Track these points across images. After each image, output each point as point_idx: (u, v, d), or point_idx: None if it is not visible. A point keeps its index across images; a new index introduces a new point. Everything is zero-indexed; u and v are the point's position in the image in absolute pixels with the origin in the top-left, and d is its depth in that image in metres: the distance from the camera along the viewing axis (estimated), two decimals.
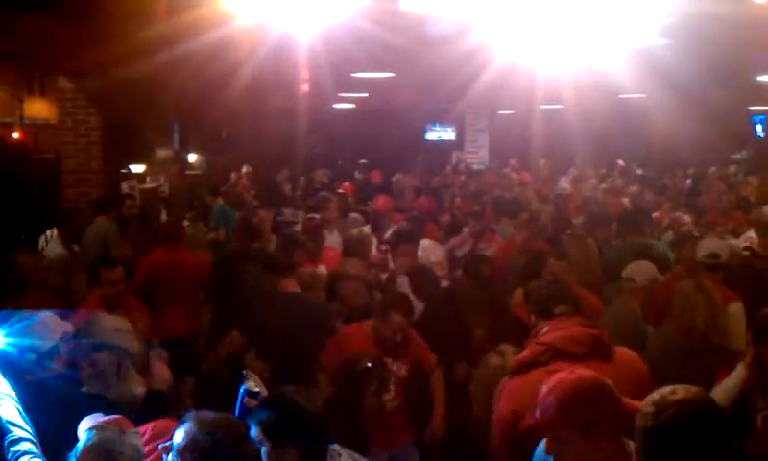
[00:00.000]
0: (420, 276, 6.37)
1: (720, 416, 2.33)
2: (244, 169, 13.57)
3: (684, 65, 9.26)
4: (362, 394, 4.11)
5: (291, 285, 5.58)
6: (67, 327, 3.72)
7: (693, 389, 2.36)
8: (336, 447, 3.06)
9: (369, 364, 4.19)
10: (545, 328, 3.67)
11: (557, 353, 3.46)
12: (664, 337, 4.93)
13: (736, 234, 8.13)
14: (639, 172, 15.35)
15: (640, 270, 5.58)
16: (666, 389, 2.36)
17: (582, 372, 2.80)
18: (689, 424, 2.26)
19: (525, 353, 3.60)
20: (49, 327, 3.67)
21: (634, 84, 11.36)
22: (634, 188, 11.96)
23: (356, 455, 3.13)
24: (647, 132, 17.19)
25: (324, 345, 5.05)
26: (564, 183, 11.88)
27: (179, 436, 2.74)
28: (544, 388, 2.71)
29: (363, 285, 5.84)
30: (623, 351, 3.67)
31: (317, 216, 7.81)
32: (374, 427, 4.20)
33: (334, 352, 4.92)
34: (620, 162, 15.32)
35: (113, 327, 4.03)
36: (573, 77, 10.31)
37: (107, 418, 2.97)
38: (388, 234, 7.54)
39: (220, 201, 11.03)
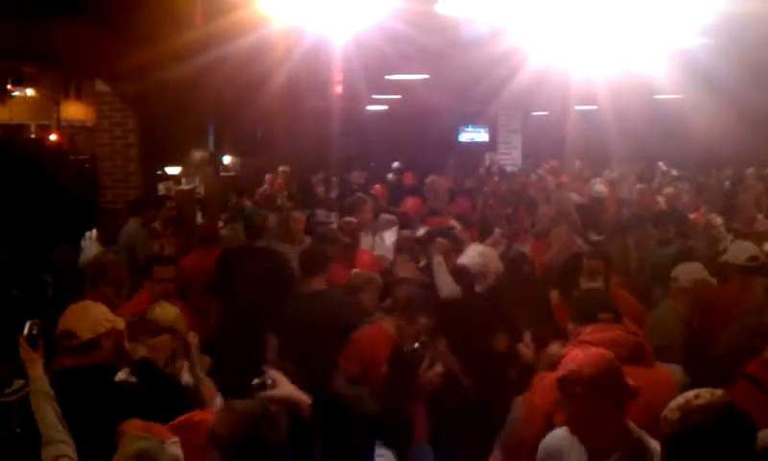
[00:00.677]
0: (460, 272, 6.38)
1: (745, 418, 2.32)
2: (280, 169, 13.62)
3: (723, 65, 9.15)
4: (416, 372, 4.10)
5: (320, 285, 5.62)
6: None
7: (718, 392, 2.35)
8: (383, 449, 3.07)
9: (417, 344, 4.27)
10: (588, 330, 3.69)
11: None
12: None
13: None
14: (675, 173, 15.19)
15: (685, 270, 5.54)
16: (691, 393, 2.36)
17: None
18: (714, 428, 2.25)
19: (564, 352, 3.59)
20: None
21: (671, 85, 11.25)
22: (669, 190, 11.85)
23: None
24: (683, 132, 17.00)
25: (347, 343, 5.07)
26: (599, 186, 11.76)
27: (220, 426, 2.78)
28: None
29: (417, 287, 5.80)
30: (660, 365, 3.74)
31: (353, 220, 7.80)
32: None
33: (354, 354, 4.95)
34: (661, 164, 15.14)
35: (175, 314, 4.27)
36: (609, 78, 10.23)
37: (146, 425, 2.99)
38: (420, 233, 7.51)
39: (247, 203, 11.08)
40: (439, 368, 4.27)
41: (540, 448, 3.14)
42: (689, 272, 5.51)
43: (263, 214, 8.41)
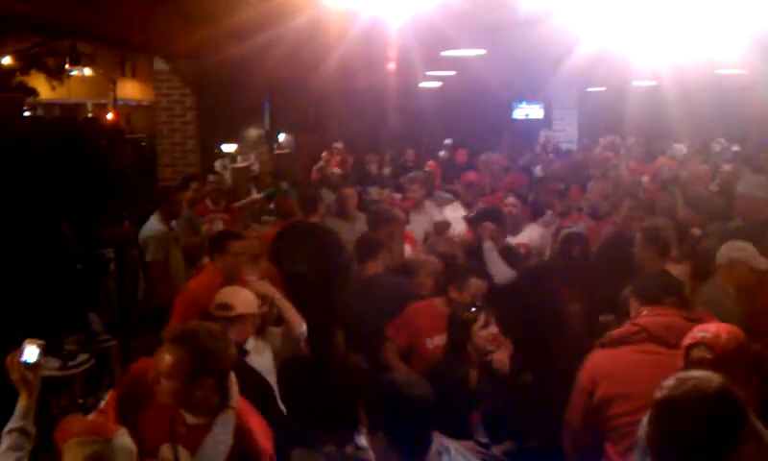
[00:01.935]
0: (510, 252, 6.36)
1: (735, 402, 2.31)
2: (334, 146, 13.65)
3: None
4: (470, 332, 4.17)
5: (375, 268, 5.64)
6: None
7: (717, 375, 2.37)
8: (445, 441, 3.09)
9: (473, 308, 4.30)
10: (645, 312, 3.67)
11: (649, 337, 3.52)
12: None
13: None
14: (735, 149, 14.82)
15: (724, 247, 5.45)
16: (692, 371, 2.42)
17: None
18: (698, 400, 2.27)
19: (620, 331, 3.66)
20: None
21: (734, 60, 10.97)
22: (728, 167, 11.55)
23: (463, 450, 3.15)
24: (745, 108, 16.55)
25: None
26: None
27: None
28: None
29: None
30: None
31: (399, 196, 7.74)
32: None
33: (402, 325, 4.99)
34: (722, 141, 14.79)
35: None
36: (669, 53, 10.01)
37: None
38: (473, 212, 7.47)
39: (284, 184, 11.10)
40: (493, 328, 4.26)
41: None
42: (726, 250, 5.42)
43: (316, 189, 8.41)
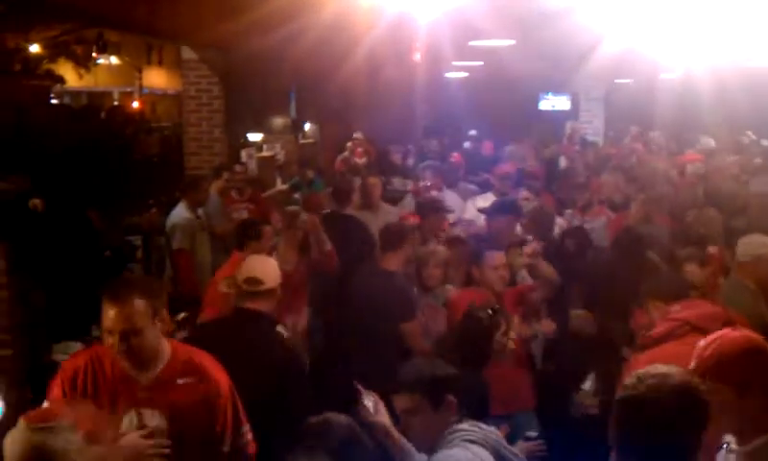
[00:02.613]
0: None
1: (698, 397, 2.32)
2: (355, 136, 13.65)
3: None
4: (491, 336, 4.17)
5: (392, 263, 5.58)
6: None
7: (681, 370, 2.39)
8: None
9: (493, 308, 4.31)
10: (677, 307, 3.65)
11: (692, 329, 3.48)
12: None
13: None
14: (765, 143, 14.62)
15: (746, 243, 5.40)
16: (656, 366, 2.41)
17: (746, 332, 2.80)
18: (663, 395, 2.27)
19: (660, 328, 3.62)
20: None
21: (765, 52, 10.82)
22: (758, 160, 11.39)
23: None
24: None
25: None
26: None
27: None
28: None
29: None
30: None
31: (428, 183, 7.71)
32: (495, 385, 4.20)
33: (450, 319, 4.99)
34: (749, 133, 14.60)
35: None
36: (698, 46, 9.89)
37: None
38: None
39: (311, 173, 11.12)
40: (513, 335, 4.27)
41: None
42: (748, 245, 5.36)
43: (350, 180, 8.40)
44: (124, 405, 3.16)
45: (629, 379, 2.38)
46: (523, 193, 7.69)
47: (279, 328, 4.22)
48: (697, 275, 5.05)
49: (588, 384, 4.31)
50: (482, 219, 7.25)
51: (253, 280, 4.09)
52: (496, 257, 5.07)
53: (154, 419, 3.16)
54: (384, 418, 3.14)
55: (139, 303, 3.10)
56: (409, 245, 5.75)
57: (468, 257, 5.71)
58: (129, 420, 3.15)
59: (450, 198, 8.28)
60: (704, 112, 14.65)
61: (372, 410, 3.13)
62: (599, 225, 7.51)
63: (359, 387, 3.23)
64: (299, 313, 5.92)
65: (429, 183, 8.50)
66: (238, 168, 9.52)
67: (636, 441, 2.29)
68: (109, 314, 3.10)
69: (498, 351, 4.24)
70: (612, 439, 2.35)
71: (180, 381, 3.22)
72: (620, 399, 2.36)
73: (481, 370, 4.14)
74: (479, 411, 3.73)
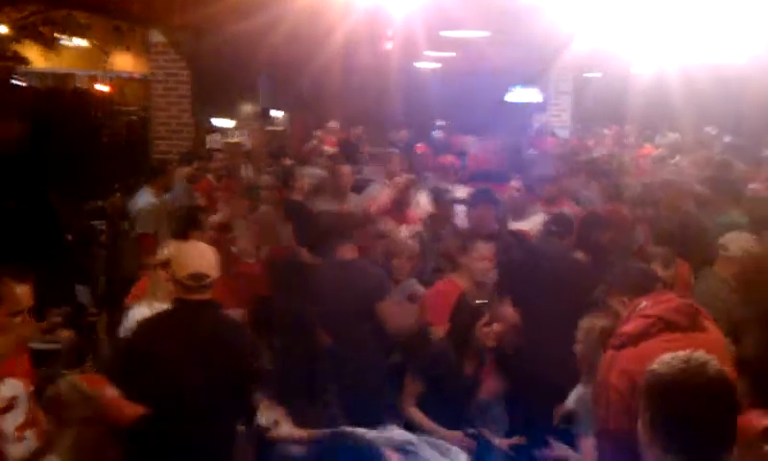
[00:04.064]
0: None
1: (727, 382, 2.32)
2: (329, 124, 13.57)
3: None
4: (473, 327, 4.19)
5: (348, 253, 5.52)
6: None
7: (707, 355, 2.37)
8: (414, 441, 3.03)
9: (482, 301, 4.34)
10: (644, 303, 3.61)
11: (665, 325, 3.45)
12: None
13: None
14: (728, 139, 14.81)
15: (736, 239, 5.42)
16: (679, 353, 2.38)
17: None
18: (694, 381, 2.27)
19: (633, 327, 3.52)
20: None
21: (732, 49, 10.93)
22: (719, 157, 11.49)
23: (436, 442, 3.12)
24: (742, 97, 16.51)
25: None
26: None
27: None
28: None
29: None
30: (712, 325, 3.64)
31: (405, 176, 7.65)
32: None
33: (428, 309, 4.98)
34: (711, 130, 14.77)
35: None
36: (667, 41, 9.98)
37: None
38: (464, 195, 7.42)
39: (288, 161, 11.04)
40: (497, 326, 4.25)
41: None
42: (740, 241, 5.39)
43: (293, 166, 8.40)
44: None
45: (656, 365, 2.35)
46: (513, 184, 7.67)
47: (229, 313, 4.19)
48: (660, 273, 5.05)
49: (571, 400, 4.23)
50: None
51: (199, 276, 3.96)
52: (485, 248, 5.05)
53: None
54: (284, 428, 3.10)
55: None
56: (363, 234, 5.73)
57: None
58: None
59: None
60: (672, 108, 14.78)
61: (269, 425, 3.10)
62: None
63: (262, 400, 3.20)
64: None
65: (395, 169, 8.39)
66: (219, 155, 9.44)
67: (681, 428, 2.28)
68: (21, 292, 3.24)
69: (482, 339, 4.20)
70: (649, 427, 2.33)
71: None
72: (661, 387, 2.33)
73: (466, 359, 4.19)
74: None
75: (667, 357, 2.38)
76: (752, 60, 12.54)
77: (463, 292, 4.85)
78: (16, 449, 3.21)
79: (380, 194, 7.36)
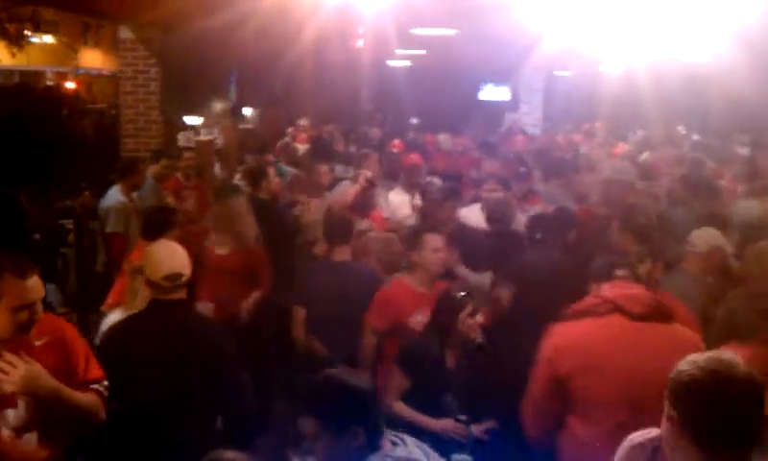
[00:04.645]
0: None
1: (755, 382, 2.32)
2: (301, 122, 13.54)
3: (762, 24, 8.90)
4: (456, 318, 4.20)
5: (345, 255, 5.60)
6: None
7: (732, 354, 2.39)
8: (400, 433, 2.98)
9: (465, 292, 4.33)
10: (605, 287, 3.71)
11: (614, 308, 3.53)
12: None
13: None
14: (696, 138, 15.00)
15: (703, 235, 5.49)
16: (707, 355, 2.39)
17: None
18: (729, 384, 2.28)
19: (582, 304, 3.67)
20: None
21: (702, 46, 11.04)
22: (691, 156, 11.63)
23: (421, 444, 3.04)
24: (709, 96, 16.72)
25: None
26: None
27: None
28: None
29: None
30: (683, 324, 3.69)
31: (370, 173, 7.65)
32: None
33: (384, 308, 5.00)
34: (681, 129, 14.95)
35: None
36: (636, 40, 10.06)
37: None
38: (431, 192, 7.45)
39: (271, 157, 11.03)
40: (480, 318, 4.27)
41: None
42: (707, 237, 5.46)
43: (262, 164, 8.39)
44: None
45: (691, 369, 2.34)
46: (490, 185, 7.73)
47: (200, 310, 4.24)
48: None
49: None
50: (403, 211, 7.30)
51: (174, 276, 3.95)
52: (435, 240, 5.05)
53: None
54: None
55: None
56: (354, 238, 5.76)
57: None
58: None
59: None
60: (641, 106, 14.93)
61: None
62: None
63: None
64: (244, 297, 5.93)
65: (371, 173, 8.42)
66: (187, 154, 9.36)
67: (711, 429, 2.29)
68: (29, 285, 3.13)
69: (465, 332, 4.22)
70: (678, 425, 2.34)
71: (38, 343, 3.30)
72: (689, 385, 2.32)
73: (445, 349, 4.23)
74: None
75: (694, 357, 2.38)
76: (716, 58, 12.69)
77: (443, 289, 4.83)
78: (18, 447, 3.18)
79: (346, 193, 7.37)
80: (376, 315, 5.00)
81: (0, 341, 3.13)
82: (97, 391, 3.43)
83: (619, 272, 3.92)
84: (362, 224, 6.28)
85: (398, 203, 7.85)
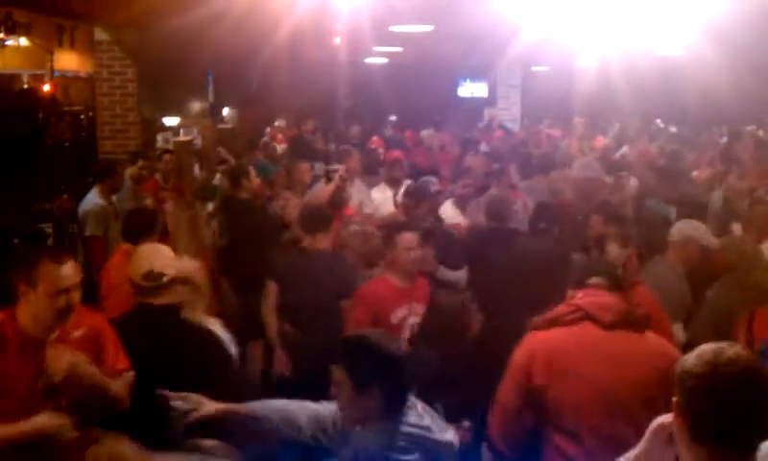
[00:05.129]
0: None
1: (758, 373, 2.28)
2: (277, 123, 13.53)
3: (730, 19, 9.02)
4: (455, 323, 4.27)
5: (324, 243, 5.61)
6: None
7: (738, 347, 2.34)
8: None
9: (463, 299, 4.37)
10: (579, 295, 3.67)
11: (585, 316, 3.50)
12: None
13: None
14: (673, 130, 15.14)
15: (681, 226, 5.56)
16: (711, 347, 2.31)
17: None
18: (742, 380, 2.23)
19: (552, 312, 3.62)
20: None
21: (676, 41, 11.14)
22: (670, 147, 11.74)
23: (429, 408, 3.12)
24: (684, 89, 16.88)
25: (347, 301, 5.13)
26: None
27: None
28: None
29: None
30: (657, 327, 3.69)
31: (336, 166, 7.65)
32: None
33: (365, 302, 5.00)
34: (658, 121, 15.09)
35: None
36: (612, 34, 10.14)
37: None
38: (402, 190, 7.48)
39: (260, 155, 11.04)
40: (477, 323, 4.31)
41: None
42: (684, 228, 5.52)
43: (243, 165, 8.40)
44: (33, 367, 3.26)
45: (698, 367, 2.28)
46: (465, 181, 7.77)
47: (189, 316, 4.05)
48: (618, 254, 5.14)
49: None
50: (386, 207, 7.30)
51: (153, 275, 3.87)
52: (408, 238, 5.07)
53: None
54: (209, 406, 3.14)
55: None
56: (333, 228, 5.77)
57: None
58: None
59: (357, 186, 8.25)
60: (617, 100, 15.05)
61: (189, 407, 3.09)
62: (516, 208, 7.60)
63: (165, 394, 3.19)
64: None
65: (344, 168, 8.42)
66: (166, 157, 9.31)
67: (712, 418, 2.26)
68: (64, 271, 3.24)
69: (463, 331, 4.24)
70: (680, 418, 2.31)
71: (75, 334, 3.43)
72: (691, 378, 2.28)
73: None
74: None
75: (698, 350, 2.32)
76: (689, 51, 12.83)
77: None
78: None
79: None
80: (359, 310, 5.02)
81: (41, 328, 3.25)
82: (124, 380, 3.56)
83: (594, 279, 3.90)
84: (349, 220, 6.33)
85: (381, 199, 7.85)
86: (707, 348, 2.32)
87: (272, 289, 5.59)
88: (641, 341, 3.47)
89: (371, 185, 8.20)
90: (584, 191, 7.31)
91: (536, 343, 3.53)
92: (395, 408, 2.91)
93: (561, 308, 3.60)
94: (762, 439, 2.28)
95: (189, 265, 4.23)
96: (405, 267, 5.05)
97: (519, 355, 3.53)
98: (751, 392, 2.24)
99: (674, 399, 2.34)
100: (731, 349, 2.31)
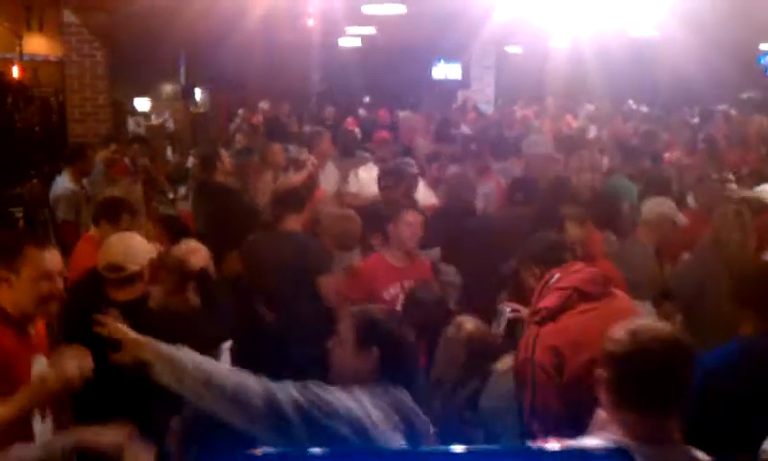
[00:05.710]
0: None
1: (690, 347, 2.52)
2: (260, 105, 13.41)
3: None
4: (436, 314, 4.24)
5: (293, 225, 5.56)
6: None
7: (662, 323, 2.61)
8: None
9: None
10: (557, 275, 3.57)
11: (580, 296, 3.45)
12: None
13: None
14: (645, 110, 15.24)
15: (653, 205, 5.58)
16: (635, 322, 2.56)
17: None
18: (661, 349, 2.44)
19: (551, 301, 3.47)
20: None
21: (647, 22, 11.19)
22: (645, 127, 11.78)
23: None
24: (656, 70, 17.01)
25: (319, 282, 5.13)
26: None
27: None
28: None
29: None
30: (620, 292, 3.72)
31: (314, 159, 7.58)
32: None
33: (358, 285, 5.01)
34: (630, 102, 15.18)
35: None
36: (585, 15, 10.16)
37: None
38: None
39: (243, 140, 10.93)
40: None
41: None
42: (655, 207, 5.55)
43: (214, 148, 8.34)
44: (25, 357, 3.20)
45: (623, 336, 2.48)
46: (410, 160, 7.77)
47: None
48: (576, 233, 5.16)
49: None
50: (370, 188, 7.31)
51: (113, 267, 3.75)
52: (412, 214, 5.10)
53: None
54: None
55: None
56: (305, 210, 5.73)
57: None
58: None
59: (329, 169, 8.21)
60: (589, 80, 15.10)
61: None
62: (489, 190, 7.63)
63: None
64: None
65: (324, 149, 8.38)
66: (135, 147, 9.21)
67: (641, 393, 2.44)
68: (48, 255, 3.20)
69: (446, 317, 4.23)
70: (613, 389, 2.47)
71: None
72: (620, 355, 2.47)
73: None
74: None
75: (623, 324, 2.54)
76: (661, 32, 12.90)
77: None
78: (42, 427, 3.15)
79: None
80: (351, 287, 5.02)
81: (24, 314, 3.19)
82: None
83: (565, 255, 3.89)
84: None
85: (368, 179, 7.81)
86: (631, 323, 2.54)
87: (232, 256, 5.47)
88: (621, 306, 3.49)
89: (348, 167, 8.18)
90: (534, 168, 7.39)
91: (556, 339, 3.38)
92: (388, 375, 2.90)
93: (558, 294, 3.47)
94: (682, 402, 2.47)
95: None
96: (404, 245, 5.06)
97: (545, 357, 3.36)
98: (671, 359, 2.44)
99: (599, 371, 2.52)
100: (655, 324, 2.58)
